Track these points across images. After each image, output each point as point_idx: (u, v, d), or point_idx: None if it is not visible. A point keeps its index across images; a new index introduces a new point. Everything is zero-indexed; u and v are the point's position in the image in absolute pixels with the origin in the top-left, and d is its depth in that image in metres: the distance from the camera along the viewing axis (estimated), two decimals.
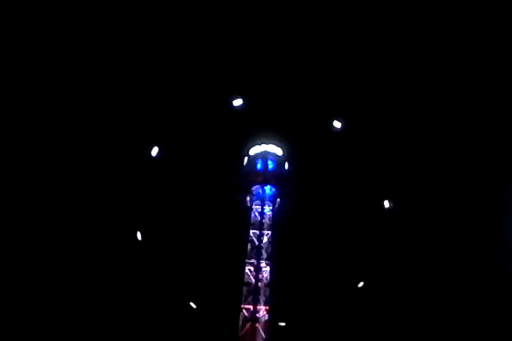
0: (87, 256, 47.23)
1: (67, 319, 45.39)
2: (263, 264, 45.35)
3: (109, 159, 49.97)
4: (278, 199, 49.32)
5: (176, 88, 50.48)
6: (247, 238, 46.53)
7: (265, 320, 43.30)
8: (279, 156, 50.08)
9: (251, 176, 49.77)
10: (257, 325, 42.94)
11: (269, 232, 46.89)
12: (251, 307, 43.54)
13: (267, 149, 49.84)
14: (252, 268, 45.04)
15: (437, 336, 45.14)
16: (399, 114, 50.71)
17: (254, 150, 50.08)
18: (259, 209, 47.83)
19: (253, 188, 49.47)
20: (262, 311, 43.55)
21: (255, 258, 45.44)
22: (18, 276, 45.90)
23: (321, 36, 50.98)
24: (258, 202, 48.50)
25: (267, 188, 49.28)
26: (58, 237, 47.73)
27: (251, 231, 46.66)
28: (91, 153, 50.22)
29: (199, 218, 47.03)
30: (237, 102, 47.24)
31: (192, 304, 44.24)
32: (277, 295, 44.38)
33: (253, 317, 43.09)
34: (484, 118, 50.78)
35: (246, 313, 43.37)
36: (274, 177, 49.72)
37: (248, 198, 49.34)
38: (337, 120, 47.45)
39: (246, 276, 44.75)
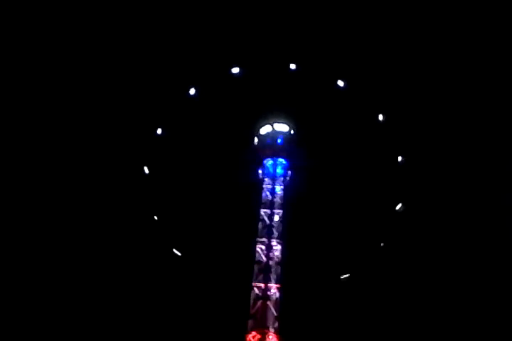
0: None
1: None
2: (274, 243, 45.46)
3: (121, 136, 50.15)
4: (289, 172, 49.38)
5: (184, 68, 50.31)
6: (258, 217, 46.60)
7: (276, 298, 43.47)
8: (290, 135, 50.00)
9: (262, 150, 49.92)
10: (268, 302, 43.13)
11: (280, 211, 46.93)
12: (262, 285, 43.73)
13: (277, 128, 49.72)
14: (263, 247, 45.18)
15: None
16: (407, 77, 50.15)
17: (264, 130, 49.99)
18: (270, 189, 47.79)
19: (265, 161, 49.64)
20: (273, 289, 43.73)
21: (266, 237, 45.56)
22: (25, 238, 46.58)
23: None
24: (269, 181, 48.48)
25: (279, 163, 49.29)
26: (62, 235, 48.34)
27: (262, 211, 46.72)
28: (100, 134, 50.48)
29: (210, 197, 47.26)
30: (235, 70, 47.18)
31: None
32: (288, 273, 44.60)
33: (264, 295, 43.30)
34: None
35: (257, 291, 43.58)
36: (285, 151, 49.83)
37: (260, 171, 49.48)
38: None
39: (257, 255, 44.91)
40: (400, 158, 47.28)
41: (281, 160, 49.72)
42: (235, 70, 47.37)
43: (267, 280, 43.86)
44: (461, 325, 44.52)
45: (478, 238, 47.54)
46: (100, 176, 50.26)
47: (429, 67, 51.08)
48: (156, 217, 46.02)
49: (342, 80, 47.21)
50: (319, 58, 48.60)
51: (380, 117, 47.84)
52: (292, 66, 47.67)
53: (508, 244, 45.46)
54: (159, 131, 47.30)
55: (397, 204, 46.62)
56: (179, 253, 45.75)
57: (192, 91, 48.26)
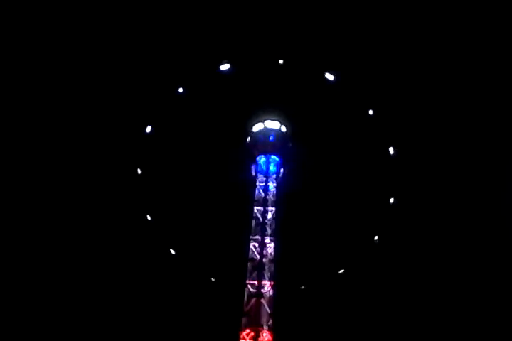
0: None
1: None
2: (267, 240, 45.50)
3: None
4: (282, 169, 49.46)
5: (175, 65, 50.16)
6: (251, 214, 46.63)
7: (270, 296, 43.51)
8: (283, 132, 50.10)
9: (255, 147, 50.03)
10: (262, 300, 43.14)
11: (273, 209, 46.97)
12: (256, 282, 43.76)
13: (270, 126, 49.80)
14: (256, 245, 45.22)
15: None
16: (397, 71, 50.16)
17: (257, 127, 50.07)
18: (263, 186, 47.83)
19: (257, 158, 49.72)
20: (267, 286, 43.77)
21: (259, 235, 45.59)
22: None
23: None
24: (262, 178, 48.53)
25: (271, 160, 49.38)
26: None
27: (255, 208, 46.75)
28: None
29: (204, 195, 47.29)
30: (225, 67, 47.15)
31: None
32: (282, 270, 44.65)
33: (258, 293, 43.33)
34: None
35: (251, 289, 43.61)
36: (278, 148, 49.92)
37: (253, 168, 49.53)
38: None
39: (250, 252, 44.94)
40: (391, 151, 47.34)
41: (273, 157, 49.83)
42: (225, 66, 47.31)
43: (260, 278, 43.88)
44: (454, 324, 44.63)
45: (473, 236, 47.62)
46: (93, 173, 50.13)
47: (419, 62, 51.04)
48: (149, 216, 45.93)
49: (331, 74, 47.26)
50: (310, 55, 48.58)
51: (371, 112, 47.90)
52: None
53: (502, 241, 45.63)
54: (148, 129, 47.18)
55: (389, 200, 46.89)
56: (173, 252, 45.86)
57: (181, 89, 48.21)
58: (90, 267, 47.82)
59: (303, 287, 45.24)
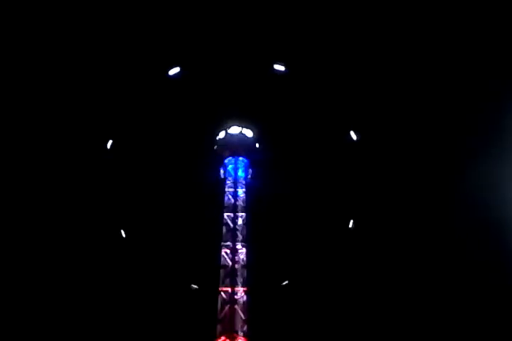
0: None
1: None
2: (239, 246, 45.52)
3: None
4: (250, 170, 49.50)
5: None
6: (221, 221, 46.56)
7: (243, 302, 43.61)
8: (250, 137, 50.11)
9: (223, 151, 49.96)
10: (236, 306, 43.22)
11: (244, 214, 46.95)
12: (229, 289, 43.79)
13: (238, 131, 49.75)
14: (228, 251, 45.22)
15: None
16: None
17: (224, 133, 50.04)
18: (233, 192, 47.74)
19: (226, 161, 49.65)
20: (240, 293, 43.85)
21: (231, 241, 45.57)
22: None
23: None
24: (231, 184, 48.42)
25: (239, 162, 49.30)
26: None
27: (225, 214, 46.66)
28: None
29: (173, 203, 46.97)
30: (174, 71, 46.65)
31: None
32: (255, 276, 44.72)
33: (231, 299, 43.39)
34: None
35: (224, 296, 43.64)
36: (246, 151, 49.95)
37: (222, 171, 49.42)
38: None
39: (222, 259, 44.91)
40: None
41: (241, 159, 49.78)
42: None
43: (233, 284, 43.91)
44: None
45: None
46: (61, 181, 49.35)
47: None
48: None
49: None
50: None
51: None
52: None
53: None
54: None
55: (359, 200, 47.12)
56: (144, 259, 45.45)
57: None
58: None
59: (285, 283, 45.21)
